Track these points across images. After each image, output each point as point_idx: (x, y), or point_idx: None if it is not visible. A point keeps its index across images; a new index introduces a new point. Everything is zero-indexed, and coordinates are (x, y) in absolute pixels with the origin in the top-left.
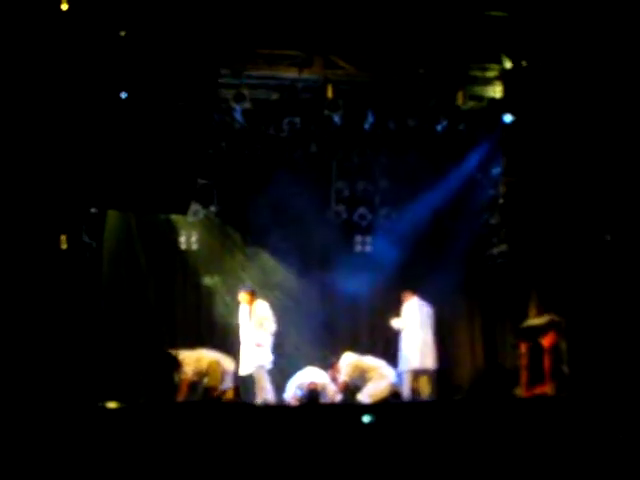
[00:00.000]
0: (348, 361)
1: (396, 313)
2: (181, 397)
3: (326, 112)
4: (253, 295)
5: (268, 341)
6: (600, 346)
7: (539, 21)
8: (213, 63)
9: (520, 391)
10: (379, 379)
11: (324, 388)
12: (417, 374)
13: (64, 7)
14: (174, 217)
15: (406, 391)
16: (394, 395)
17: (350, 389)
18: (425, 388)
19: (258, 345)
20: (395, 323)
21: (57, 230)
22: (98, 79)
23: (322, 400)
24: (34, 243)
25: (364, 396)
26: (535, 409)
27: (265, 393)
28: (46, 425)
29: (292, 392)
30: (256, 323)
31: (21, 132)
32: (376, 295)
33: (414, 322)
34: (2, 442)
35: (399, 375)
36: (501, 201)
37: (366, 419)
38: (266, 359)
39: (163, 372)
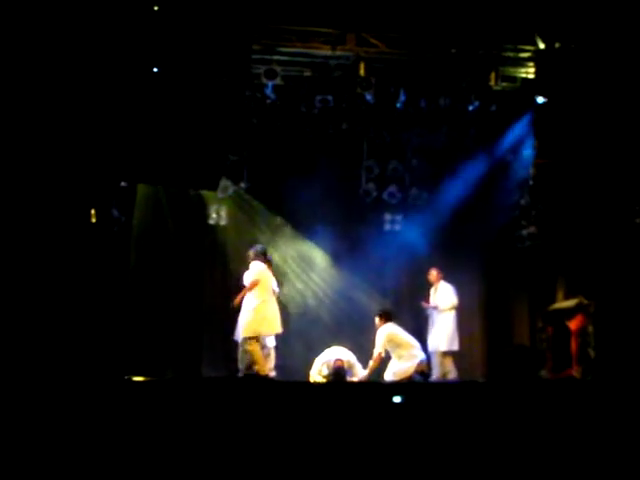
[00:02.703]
0: (387, 331)
1: (426, 296)
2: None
3: (358, 90)
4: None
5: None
6: (627, 330)
7: (573, 2)
8: (245, 39)
9: (546, 374)
10: (408, 359)
11: (350, 366)
12: (445, 355)
13: None
14: (204, 192)
15: (436, 372)
16: (422, 373)
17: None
18: (451, 369)
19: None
20: (440, 304)
21: (87, 204)
22: (131, 53)
23: (348, 378)
24: (64, 216)
25: (388, 373)
26: (560, 392)
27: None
28: (73, 397)
29: (318, 369)
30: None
31: (53, 106)
32: (404, 274)
33: (449, 304)
34: (30, 413)
35: (428, 355)
36: (531, 183)
37: (397, 399)
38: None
39: None
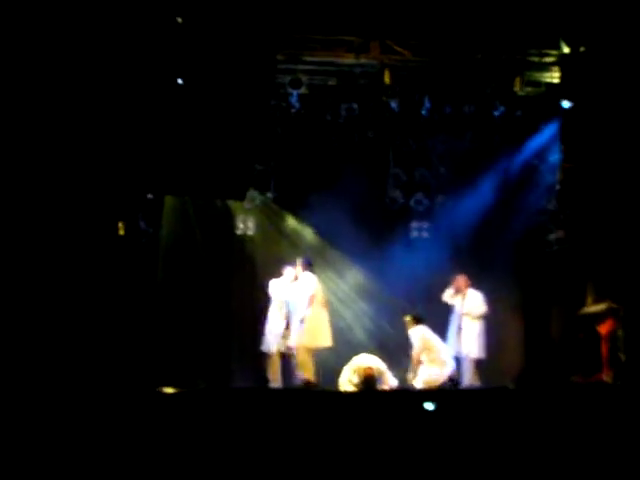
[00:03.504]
0: (421, 333)
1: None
2: None
3: (383, 98)
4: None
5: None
6: None
7: (598, 6)
8: (270, 49)
9: (576, 379)
10: (438, 365)
11: (380, 374)
12: (473, 362)
13: None
14: (231, 203)
15: (466, 379)
16: (452, 380)
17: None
18: (479, 375)
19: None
20: (472, 311)
21: (115, 216)
22: (155, 65)
23: (378, 386)
24: (92, 229)
25: (418, 381)
26: (591, 397)
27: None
28: (104, 409)
29: (348, 378)
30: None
31: (79, 118)
32: (431, 281)
33: (480, 312)
34: (62, 425)
35: (458, 360)
36: (558, 187)
37: (429, 407)
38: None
39: None
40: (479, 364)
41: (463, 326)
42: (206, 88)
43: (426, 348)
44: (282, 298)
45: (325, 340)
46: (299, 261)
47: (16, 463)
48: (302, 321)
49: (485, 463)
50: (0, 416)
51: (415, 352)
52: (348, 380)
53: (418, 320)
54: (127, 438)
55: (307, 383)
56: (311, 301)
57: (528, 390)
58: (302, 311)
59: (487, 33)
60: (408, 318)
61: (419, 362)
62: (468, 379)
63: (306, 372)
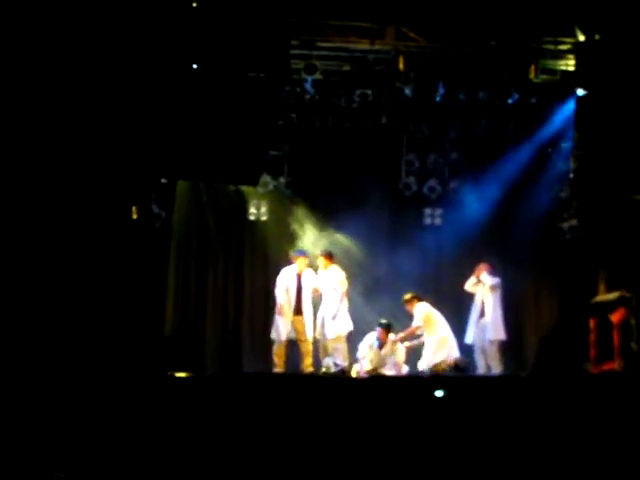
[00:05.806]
0: (426, 308)
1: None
2: None
3: (397, 84)
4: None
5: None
6: None
7: None
8: (284, 34)
9: (588, 367)
10: (441, 346)
11: (393, 350)
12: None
13: None
14: (244, 188)
15: (495, 366)
16: (457, 367)
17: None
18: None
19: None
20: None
21: (128, 200)
22: (170, 50)
23: (392, 360)
24: (106, 213)
25: (423, 364)
26: (603, 385)
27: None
28: (116, 393)
29: (364, 353)
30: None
31: (93, 102)
32: (443, 268)
33: (498, 294)
34: (74, 409)
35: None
36: (572, 175)
37: (439, 394)
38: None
39: None
40: (500, 348)
41: (486, 311)
42: (221, 73)
43: (429, 325)
44: (291, 287)
45: (349, 325)
46: (321, 254)
47: (30, 446)
48: (335, 312)
49: (494, 451)
50: (12, 399)
51: (414, 325)
52: (363, 356)
53: (419, 298)
54: (138, 421)
55: (343, 370)
56: (344, 296)
57: (539, 378)
58: (334, 304)
59: (502, 20)
60: (408, 296)
61: (413, 332)
62: (495, 366)
63: (343, 358)
